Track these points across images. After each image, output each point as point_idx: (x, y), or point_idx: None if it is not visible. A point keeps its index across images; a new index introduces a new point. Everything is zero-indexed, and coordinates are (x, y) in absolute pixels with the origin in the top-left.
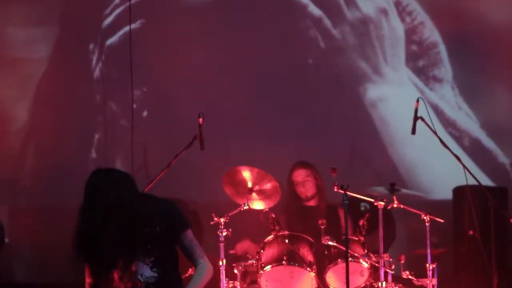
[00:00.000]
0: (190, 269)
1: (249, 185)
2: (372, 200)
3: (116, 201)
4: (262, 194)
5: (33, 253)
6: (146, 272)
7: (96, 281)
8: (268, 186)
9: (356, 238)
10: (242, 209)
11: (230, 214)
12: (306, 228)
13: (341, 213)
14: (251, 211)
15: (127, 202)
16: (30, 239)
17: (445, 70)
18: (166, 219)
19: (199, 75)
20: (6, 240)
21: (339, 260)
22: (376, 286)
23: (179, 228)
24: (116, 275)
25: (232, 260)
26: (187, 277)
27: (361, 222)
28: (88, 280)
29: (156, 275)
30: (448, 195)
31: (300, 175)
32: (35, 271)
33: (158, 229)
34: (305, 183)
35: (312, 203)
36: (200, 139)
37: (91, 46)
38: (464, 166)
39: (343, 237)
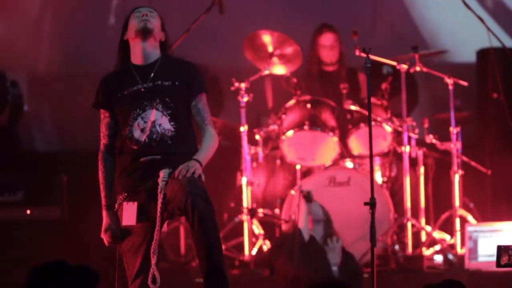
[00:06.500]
0: None
1: (270, 49)
2: (395, 63)
3: None
4: (283, 59)
5: (53, 121)
6: (165, 124)
7: (115, 131)
8: (289, 50)
9: (379, 102)
10: (263, 74)
11: (251, 79)
12: (327, 93)
13: (361, 77)
14: (272, 76)
15: None
16: (50, 106)
17: None
18: (186, 76)
19: None
20: (26, 108)
21: (362, 124)
22: (399, 151)
23: (197, 87)
24: (137, 126)
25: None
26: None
27: (383, 86)
28: (106, 131)
29: (173, 129)
30: (471, 57)
31: (329, 39)
32: (55, 139)
33: (177, 83)
34: (333, 48)
35: (332, 68)
36: (219, 3)
37: None
38: (488, 28)
39: (366, 101)
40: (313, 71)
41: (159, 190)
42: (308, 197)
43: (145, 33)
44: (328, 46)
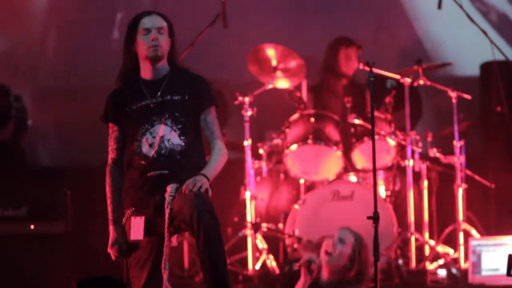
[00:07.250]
0: None
1: (274, 63)
2: (399, 77)
3: None
4: (287, 73)
5: (57, 136)
6: (174, 139)
7: (123, 145)
8: (293, 64)
9: (383, 116)
10: (266, 88)
11: (254, 93)
12: (331, 106)
13: (368, 92)
14: (275, 90)
15: None
16: (53, 121)
17: None
18: (196, 90)
19: None
20: (30, 122)
21: (365, 138)
22: (403, 165)
23: (207, 101)
24: (145, 142)
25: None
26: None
27: (387, 100)
28: (114, 145)
29: (183, 144)
30: (475, 71)
31: (354, 52)
32: (58, 154)
33: (186, 97)
34: (355, 61)
35: (345, 80)
36: (223, 17)
37: None
38: (492, 42)
39: (369, 114)
40: (326, 81)
41: (166, 205)
42: (309, 265)
43: (155, 61)
44: (354, 59)
